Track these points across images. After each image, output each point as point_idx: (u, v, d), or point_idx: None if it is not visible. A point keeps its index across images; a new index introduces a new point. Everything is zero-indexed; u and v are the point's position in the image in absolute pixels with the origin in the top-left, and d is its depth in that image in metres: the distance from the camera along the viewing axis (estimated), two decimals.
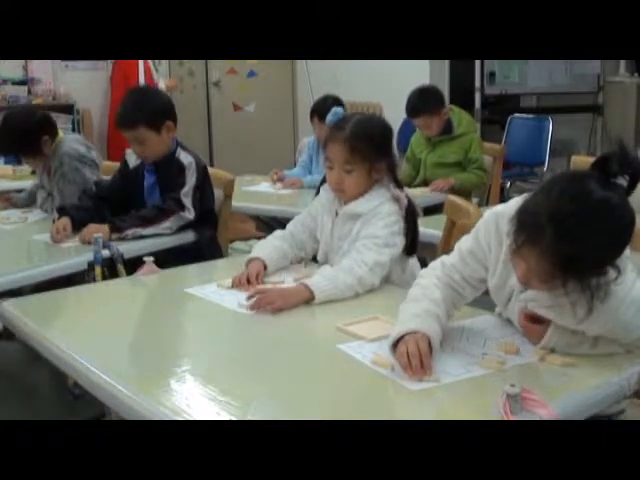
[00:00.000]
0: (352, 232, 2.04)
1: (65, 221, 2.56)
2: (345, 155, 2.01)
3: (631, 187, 1.38)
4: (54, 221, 2.60)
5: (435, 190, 3.58)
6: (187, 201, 2.62)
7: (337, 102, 4.05)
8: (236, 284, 1.96)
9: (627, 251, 1.41)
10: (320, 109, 3.86)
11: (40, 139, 2.96)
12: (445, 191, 3.47)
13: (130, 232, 2.53)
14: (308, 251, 2.17)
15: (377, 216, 2.00)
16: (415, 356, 1.40)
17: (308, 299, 1.84)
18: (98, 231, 2.41)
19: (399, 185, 2.09)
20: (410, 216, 2.05)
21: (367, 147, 2.00)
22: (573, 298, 1.40)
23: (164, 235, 2.60)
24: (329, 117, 2.26)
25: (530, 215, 1.37)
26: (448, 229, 2.26)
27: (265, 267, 2.03)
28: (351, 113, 2.30)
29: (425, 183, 3.76)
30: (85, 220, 2.58)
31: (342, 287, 1.87)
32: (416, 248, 2.09)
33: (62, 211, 2.63)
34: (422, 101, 3.79)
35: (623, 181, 1.38)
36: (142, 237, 2.55)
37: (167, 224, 2.59)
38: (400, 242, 2.01)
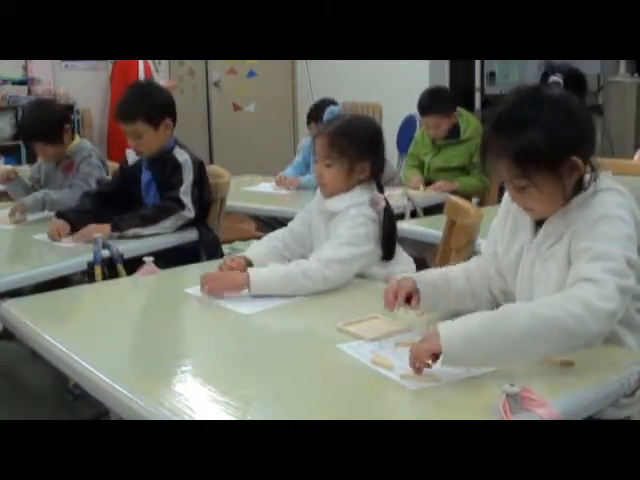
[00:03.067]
0: (329, 230, 2.06)
1: (61, 224, 2.56)
2: (325, 149, 2.04)
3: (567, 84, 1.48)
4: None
5: (437, 189, 3.58)
6: (187, 199, 2.63)
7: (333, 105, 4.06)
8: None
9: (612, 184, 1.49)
10: (317, 113, 3.87)
11: (63, 126, 3.03)
12: (446, 191, 3.47)
13: (130, 232, 2.54)
14: (308, 246, 2.18)
15: (345, 218, 2.02)
16: (391, 291, 1.56)
17: (244, 284, 1.87)
18: (98, 231, 2.42)
19: (380, 189, 2.10)
20: (387, 221, 2.05)
21: (347, 144, 2.02)
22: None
23: (165, 234, 2.61)
24: (326, 115, 2.29)
25: (483, 139, 1.51)
26: (448, 229, 2.26)
27: (251, 264, 2.05)
28: (347, 113, 2.32)
29: (427, 183, 3.76)
30: (84, 221, 2.57)
31: (281, 276, 1.89)
32: (393, 253, 2.08)
33: (60, 215, 2.62)
34: (435, 100, 3.79)
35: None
36: (142, 236, 2.55)
37: (167, 223, 2.61)
38: (365, 244, 2.00)
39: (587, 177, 1.48)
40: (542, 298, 1.41)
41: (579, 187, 1.49)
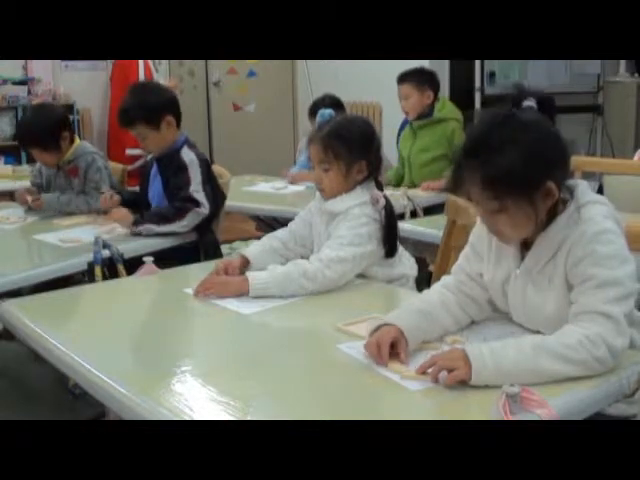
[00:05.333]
0: (329, 231, 2.06)
1: (116, 196, 2.76)
2: (319, 154, 2.05)
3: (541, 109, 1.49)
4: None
5: (425, 190, 3.54)
6: (200, 197, 2.63)
7: (335, 101, 4.05)
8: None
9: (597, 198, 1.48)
10: (316, 109, 3.87)
11: (60, 134, 3.02)
12: (439, 191, 3.47)
13: (143, 228, 2.56)
14: (308, 247, 2.18)
15: (347, 217, 2.02)
16: (372, 344, 1.47)
17: (243, 289, 1.88)
18: (124, 217, 2.59)
19: (379, 186, 2.10)
20: (388, 218, 2.06)
21: (341, 147, 2.02)
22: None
23: (176, 234, 2.62)
24: (317, 119, 2.28)
25: (455, 162, 1.48)
26: (449, 229, 2.26)
27: (248, 262, 2.06)
28: (338, 115, 2.32)
29: (413, 185, 3.72)
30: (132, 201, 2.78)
31: (280, 277, 1.89)
32: (395, 250, 2.09)
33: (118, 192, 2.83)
34: (413, 72, 3.80)
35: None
36: (157, 235, 2.58)
37: (184, 222, 2.61)
38: (367, 244, 2.01)
39: (565, 198, 1.47)
40: (564, 330, 1.41)
41: (554, 211, 1.47)
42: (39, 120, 3.07)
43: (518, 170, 1.40)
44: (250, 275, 1.91)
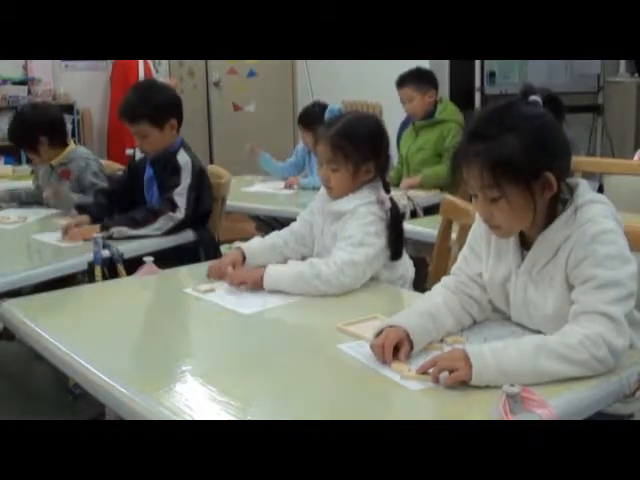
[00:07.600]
0: (333, 230, 2.06)
1: (83, 218, 2.62)
2: (328, 154, 2.03)
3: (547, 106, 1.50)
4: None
5: (406, 188, 3.52)
6: (180, 200, 2.60)
7: (324, 108, 4.03)
8: (211, 274, 2.05)
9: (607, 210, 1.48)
10: (305, 117, 3.88)
11: (38, 138, 3.01)
12: (412, 187, 3.48)
13: (115, 230, 2.52)
14: (310, 246, 2.17)
15: (354, 216, 2.01)
16: (379, 346, 1.46)
17: (259, 279, 1.92)
18: (89, 232, 2.43)
19: (386, 188, 2.09)
20: (393, 220, 2.04)
21: (350, 147, 2.00)
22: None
23: (155, 236, 2.58)
24: (326, 115, 2.26)
25: (457, 147, 1.50)
26: (444, 228, 2.26)
27: (244, 257, 2.09)
28: (347, 112, 2.30)
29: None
30: (102, 216, 2.63)
31: (292, 276, 1.91)
32: (400, 253, 2.09)
33: (81, 209, 2.70)
34: (412, 75, 3.81)
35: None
36: (130, 238, 2.53)
37: (156, 225, 2.58)
38: (377, 242, 2.00)
39: (565, 198, 1.47)
40: (565, 330, 1.40)
41: (555, 211, 1.48)
42: (22, 119, 3.10)
43: (517, 156, 1.40)
44: (269, 267, 1.94)
